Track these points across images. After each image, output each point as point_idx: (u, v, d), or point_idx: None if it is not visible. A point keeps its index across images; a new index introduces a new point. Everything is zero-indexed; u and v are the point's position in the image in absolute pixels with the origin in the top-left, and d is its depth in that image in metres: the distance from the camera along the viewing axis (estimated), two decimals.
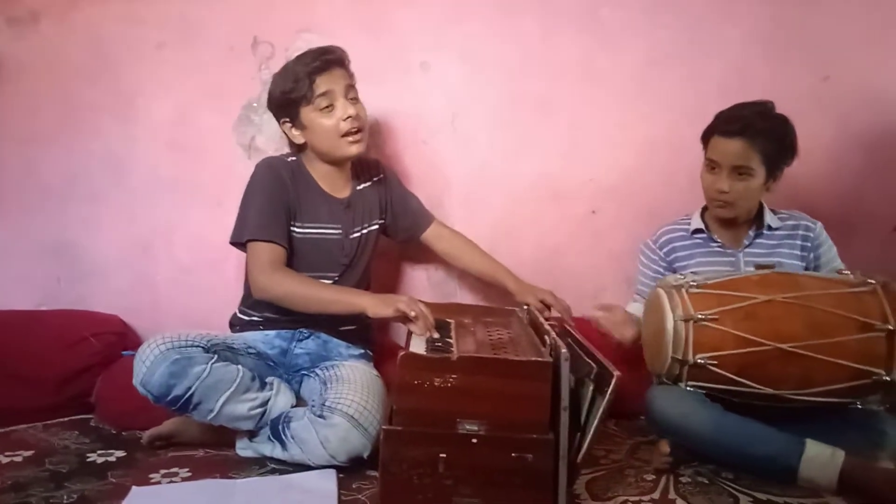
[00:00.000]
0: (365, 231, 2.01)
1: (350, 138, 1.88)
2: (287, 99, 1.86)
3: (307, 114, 1.86)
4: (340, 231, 1.96)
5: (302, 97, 1.84)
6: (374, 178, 2.08)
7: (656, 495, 1.61)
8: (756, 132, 1.84)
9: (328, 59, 1.87)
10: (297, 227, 1.90)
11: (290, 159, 1.96)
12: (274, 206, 1.86)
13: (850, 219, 2.33)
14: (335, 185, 1.98)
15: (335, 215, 1.96)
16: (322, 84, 1.84)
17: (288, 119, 1.90)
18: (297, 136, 1.91)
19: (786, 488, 1.62)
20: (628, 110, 2.31)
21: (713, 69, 2.28)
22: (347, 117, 1.86)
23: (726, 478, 1.69)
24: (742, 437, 1.64)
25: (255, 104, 2.31)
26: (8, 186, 2.35)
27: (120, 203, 2.35)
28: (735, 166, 1.86)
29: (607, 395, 1.39)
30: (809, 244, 1.96)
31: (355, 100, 1.90)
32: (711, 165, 1.91)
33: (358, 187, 2.03)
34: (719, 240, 1.99)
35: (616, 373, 1.39)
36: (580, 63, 2.30)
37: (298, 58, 1.88)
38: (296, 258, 1.89)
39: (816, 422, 1.69)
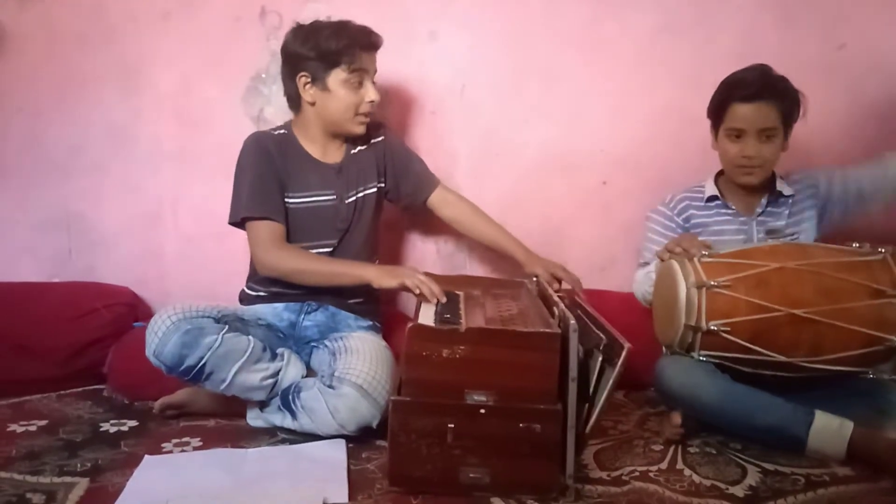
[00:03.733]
0: (361, 195, 2.00)
1: (361, 118, 1.92)
2: (324, 57, 1.85)
3: (336, 79, 1.86)
4: (334, 196, 1.95)
5: (341, 61, 1.84)
6: (373, 141, 2.05)
7: (664, 465, 1.62)
8: (773, 92, 1.84)
9: (374, 41, 1.90)
10: (291, 198, 1.91)
11: (277, 133, 1.96)
12: (265, 181, 1.87)
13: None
14: (326, 151, 1.98)
15: (327, 181, 1.95)
16: (365, 60, 1.87)
17: (309, 75, 1.88)
18: (311, 95, 1.90)
19: (793, 458, 1.63)
20: (637, 78, 2.28)
21: (723, 37, 2.25)
22: (371, 101, 1.89)
23: (734, 448, 1.70)
24: (751, 408, 1.64)
25: (263, 75, 2.29)
26: (12, 158, 2.36)
27: (125, 174, 2.35)
28: (761, 129, 1.85)
29: (617, 367, 1.39)
30: (819, 200, 1.96)
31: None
32: (735, 133, 1.88)
33: (352, 151, 2.01)
34: (733, 207, 1.98)
35: (626, 345, 1.39)
36: (587, 30, 2.27)
37: (341, 25, 1.87)
38: (292, 228, 1.90)
39: (826, 391, 1.70)
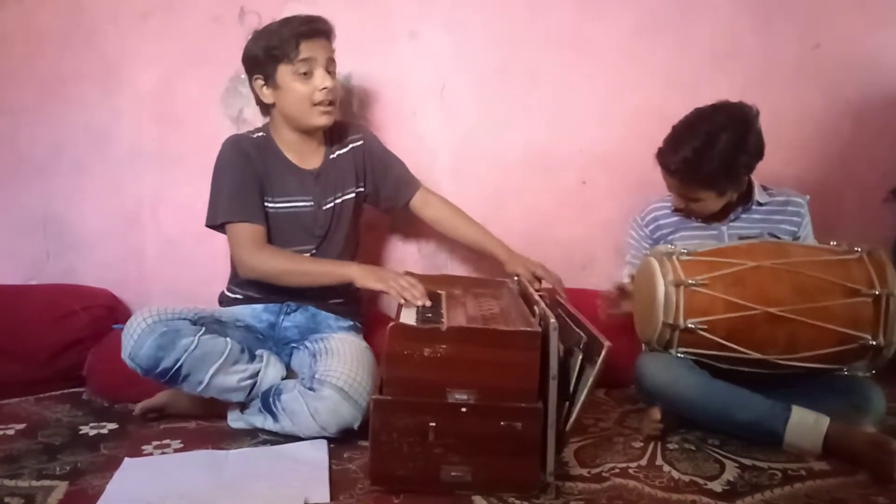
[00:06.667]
0: (339, 201, 1.99)
1: (321, 108, 1.87)
2: (268, 55, 1.83)
3: (284, 74, 1.84)
4: (312, 203, 1.94)
5: (284, 56, 1.82)
6: (352, 144, 2.04)
7: (644, 462, 1.63)
8: (691, 178, 1.83)
9: (316, 27, 1.85)
10: (269, 203, 1.90)
11: (255, 136, 1.95)
12: (245, 184, 1.86)
13: (840, 188, 2.35)
14: (304, 155, 1.96)
15: (305, 187, 1.94)
16: (306, 49, 1.83)
17: (261, 76, 1.87)
18: (268, 96, 1.88)
19: (771, 453, 1.65)
20: (617, 79, 2.30)
21: (702, 38, 2.27)
22: (323, 88, 1.85)
23: (713, 444, 1.72)
24: (729, 403, 1.67)
25: (242, 75, 2.26)
26: None
27: (105, 175, 2.34)
28: (687, 196, 1.88)
29: (598, 365, 1.40)
30: (799, 220, 1.95)
31: (333, 73, 1.89)
32: (667, 184, 1.92)
33: (331, 156, 2.00)
34: (700, 220, 1.98)
35: (606, 343, 1.40)
36: (568, 31, 2.28)
37: (286, 20, 1.85)
38: (270, 233, 1.89)
39: (802, 388, 1.72)
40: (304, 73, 1.84)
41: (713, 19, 2.27)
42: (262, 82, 1.87)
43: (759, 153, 1.83)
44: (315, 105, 1.86)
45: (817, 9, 2.27)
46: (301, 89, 1.85)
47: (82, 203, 2.35)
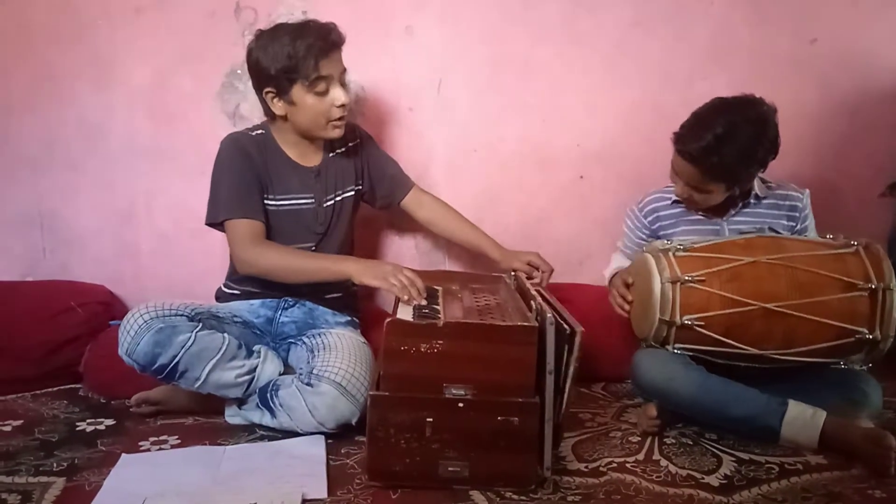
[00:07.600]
0: (339, 198, 1.98)
1: (335, 123, 1.86)
2: (283, 74, 1.78)
3: (300, 92, 1.79)
4: (313, 200, 1.93)
5: (302, 77, 1.77)
6: (350, 144, 2.03)
7: (641, 456, 1.64)
8: (708, 166, 1.77)
9: (332, 41, 1.80)
10: (270, 200, 1.88)
11: (255, 133, 1.92)
12: (245, 181, 1.84)
13: (835, 182, 2.35)
14: (305, 153, 1.94)
15: (306, 184, 1.93)
16: (324, 68, 1.78)
17: (274, 91, 1.82)
18: (280, 108, 1.84)
19: (767, 447, 1.66)
20: (612, 73, 2.30)
21: (698, 31, 2.27)
22: (341, 105, 1.83)
23: (710, 438, 1.72)
24: (725, 399, 1.67)
25: (238, 71, 2.27)
26: None
27: (99, 171, 2.32)
28: (693, 185, 1.85)
29: (574, 352, 1.41)
30: (797, 214, 1.94)
31: (346, 86, 1.87)
32: (673, 170, 1.89)
33: (330, 154, 1.98)
34: (700, 213, 1.97)
35: (579, 328, 1.41)
36: (563, 25, 2.28)
37: (299, 31, 1.78)
38: (271, 230, 1.87)
39: (799, 382, 1.73)
40: (321, 90, 1.80)
41: (709, 13, 2.27)
42: (275, 96, 1.83)
43: (775, 150, 1.81)
44: (330, 122, 1.85)
45: (813, 3, 2.27)
46: (318, 107, 1.82)
47: (77, 199, 2.34)
